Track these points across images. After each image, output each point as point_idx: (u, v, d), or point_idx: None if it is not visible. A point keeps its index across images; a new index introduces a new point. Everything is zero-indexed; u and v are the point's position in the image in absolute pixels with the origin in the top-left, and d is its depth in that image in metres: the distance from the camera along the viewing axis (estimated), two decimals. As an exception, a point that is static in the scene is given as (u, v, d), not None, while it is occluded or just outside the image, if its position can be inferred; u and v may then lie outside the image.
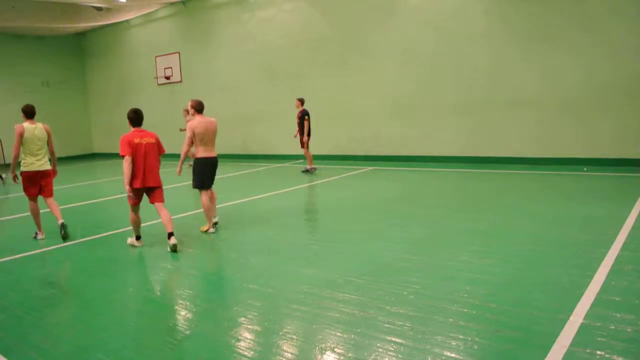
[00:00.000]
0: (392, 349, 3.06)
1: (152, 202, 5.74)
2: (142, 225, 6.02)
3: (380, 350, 3.07)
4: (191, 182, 6.44)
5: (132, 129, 5.66)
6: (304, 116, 11.20)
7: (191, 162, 7.64)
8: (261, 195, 8.90)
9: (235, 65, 16.04)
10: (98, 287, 4.63)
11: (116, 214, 8.37)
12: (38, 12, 15.79)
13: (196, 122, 6.13)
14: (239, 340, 3.33)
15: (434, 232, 5.83)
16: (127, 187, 5.45)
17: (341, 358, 3.01)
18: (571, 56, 10.07)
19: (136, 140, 5.49)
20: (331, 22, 13.61)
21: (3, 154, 17.94)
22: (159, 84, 18.69)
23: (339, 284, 4.22)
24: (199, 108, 6.27)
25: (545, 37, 10.30)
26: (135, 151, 5.44)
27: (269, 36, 14.94)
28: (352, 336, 3.27)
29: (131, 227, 5.98)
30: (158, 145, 5.72)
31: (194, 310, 3.97)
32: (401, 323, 3.41)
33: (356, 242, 5.59)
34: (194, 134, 6.08)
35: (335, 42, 13.55)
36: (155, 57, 18.59)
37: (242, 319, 3.70)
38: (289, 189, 9.53)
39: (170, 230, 5.54)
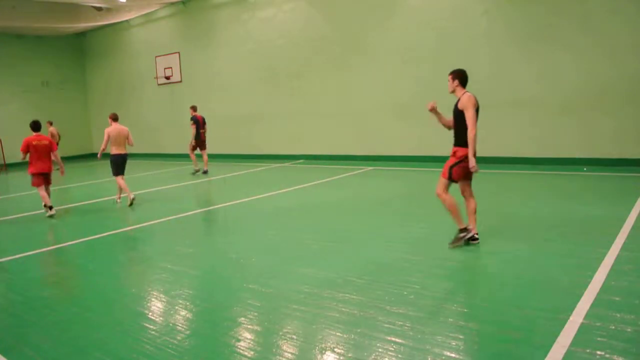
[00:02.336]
0: (392, 349, 3.07)
1: (45, 183, 8.19)
2: (137, 226, 6.00)
3: (380, 350, 3.07)
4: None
5: (33, 133, 8.12)
6: (191, 121, 12.58)
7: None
8: (261, 195, 8.90)
9: (235, 65, 16.03)
10: (98, 287, 4.63)
11: (116, 214, 8.37)
12: (38, 12, 15.79)
13: (111, 128, 8.71)
14: (239, 340, 3.33)
15: (434, 232, 5.83)
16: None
17: (341, 358, 3.01)
18: (571, 56, 10.07)
19: (34, 142, 7.98)
20: (331, 22, 13.61)
21: (3, 154, 17.95)
22: (159, 84, 18.69)
23: (339, 284, 4.22)
24: (114, 118, 8.91)
25: (545, 37, 10.29)
26: (31, 149, 7.96)
27: (269, 36, 14.94)
28: (352, 336, 3.27)
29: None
30: (50, 145, 8.14)
31: (194, 310, 3.97)
32: (401, 323, 3.41)
33: (356, 242, 5.59)
34: (109, 136, 8.63)
35: (335, 42, 13.55)
36: (155, 57, 18.58)
37: (242, 319, 3.70)
38: (289, 188, 9.53)
39: (50, 204, 8.03)
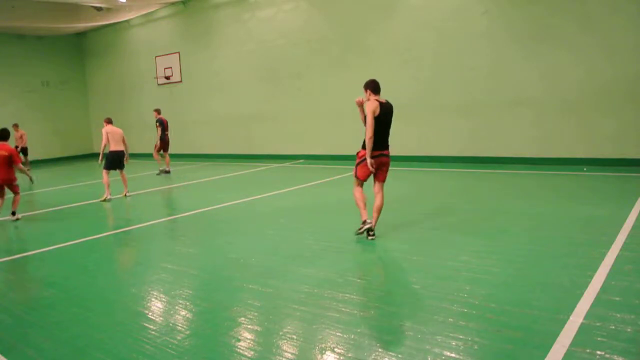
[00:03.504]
0: (392, 349, 3.07)
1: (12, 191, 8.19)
2: (137, 226, 6.00)
3: (380, 350, 3.07)
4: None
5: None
6: (156, 123, 13.19)
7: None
8: (261, 195, 8.90)
9: (235, 65, 16.04)
10: (98, 287, 4.63)
11: (116, 214, 8.37)
12: (38, 12, 15.78)
13: (108, 128, 9.54)
14: (239, 340, 3.33)
15: (434, 232, 5.83)
16: None
17: (341, 358, 3.01)
18: (571, 56, 10.07)
19: None
20: (331, 22, 13.61)
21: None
22: (159, 84, 18.70)
23: (339, 284, 4.22)
24: (109, 121, 9.73)
25: (545, 37, 10.29)
26: None
27: (269, 36, 14.94)
28: (352, 336, 3.27)
29: None
30: (10, 157, 7.83)
31: (194, 310, 3.97)
32: (401, 323, 3.41)
33: (356, 242, 5.59)
34: (107, 135, 9.44)
35: (335, 42, 13.55)
36: (155, 57, 18.59)
37: (242, 319, 3.70)
38: (289, 188, 9.53)
39: (14, 210, 8.04)
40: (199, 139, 17.61)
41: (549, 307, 3.50)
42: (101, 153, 9.55)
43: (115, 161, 9.57)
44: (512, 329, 3.23)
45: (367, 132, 5.31)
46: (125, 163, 9.75)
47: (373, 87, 5.54)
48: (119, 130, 9.67)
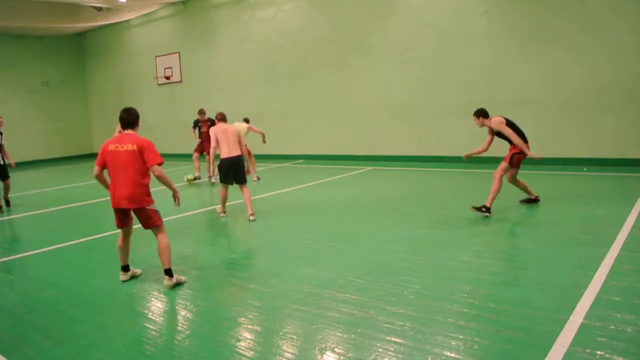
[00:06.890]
0: (392, 349, 3.07)
1: None
2: (137, 226, 5.99)
3: (380, 350, 3.07)
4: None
5: None
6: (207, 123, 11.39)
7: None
8: (261, 195, 8.90)
9: (235, 65, 16.03)
10: (98, 287, 4.63)
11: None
12: (38, 12, 15.80)
13: (217, 128, 7.15)
14: (239, 340, 3.33)
15: (434, 232, 5.83)
16: None
17: (341, 358, 3.01)
18: (571, 56, 10.06)
19: None
20: (331, 22, 13.61)
21: (3, 154, 17.95)
22: (159, 84, 18.69)
23: (339, 284, 4.22)
24: (222, 118, 7.36)
25: (545, 37, 10.29)
26: None
27: (269, 36, 14.94)
28: (352, 336, 3.27)
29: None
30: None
31: (194, 310, 3.97)
32: (401, 323, 3.41)
33: (356, 242, 5.59)
34: (216, 138, 7.11)
35: (335, 42, 13.55)
36: (155, 57, 18.58)
37: (242, 319, 3.70)
38: (289, 188, 9.53)
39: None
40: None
41: (549, 307, 3.51)
42: (211, 163, 7.93)
43: (229, 172, 7.17)
44: (512, 329, 3.23)
45: (514, 139, 6.47)
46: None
47: (483, 113, 6.63)
48: (233, 128, 7.27)
